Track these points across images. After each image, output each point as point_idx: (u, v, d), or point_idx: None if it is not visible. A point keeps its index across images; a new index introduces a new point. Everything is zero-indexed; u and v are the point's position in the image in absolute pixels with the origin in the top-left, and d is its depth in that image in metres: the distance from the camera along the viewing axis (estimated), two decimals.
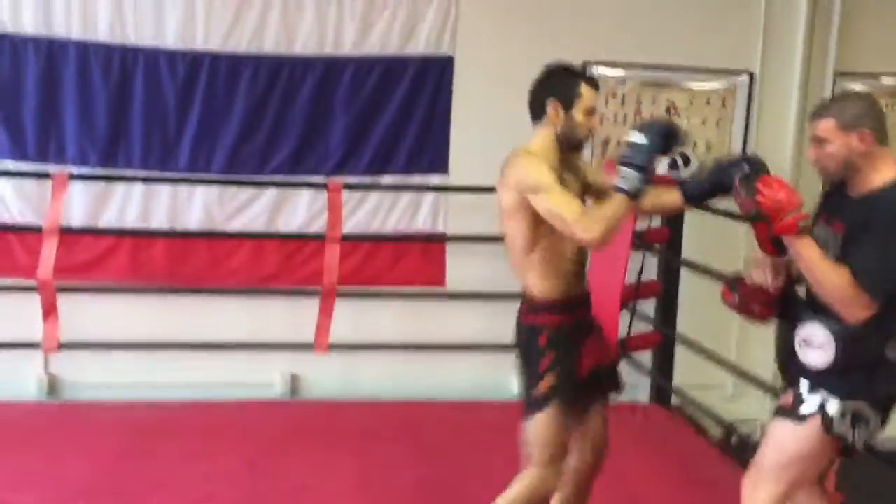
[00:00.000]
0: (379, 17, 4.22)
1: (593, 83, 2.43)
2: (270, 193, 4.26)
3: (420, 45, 4.27)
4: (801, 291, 2.39)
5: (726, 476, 3.30)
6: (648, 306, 4.31)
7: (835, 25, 4.54)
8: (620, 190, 2.25)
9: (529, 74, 4.32)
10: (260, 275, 4.27)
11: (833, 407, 2.19)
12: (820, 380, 2.21)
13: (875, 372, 2.20)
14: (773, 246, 2.27)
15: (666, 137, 2.28)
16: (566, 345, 2.39)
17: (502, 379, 4.42)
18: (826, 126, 2.21)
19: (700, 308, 4.36)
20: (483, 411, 4.17)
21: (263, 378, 4.34)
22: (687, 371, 4.32)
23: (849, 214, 2.21)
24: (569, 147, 2.43)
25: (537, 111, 2.44)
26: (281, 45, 4.17)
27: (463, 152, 4.35)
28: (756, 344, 4.49)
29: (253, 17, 4.14)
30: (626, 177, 2.24)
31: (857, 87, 4.57)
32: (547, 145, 2.41)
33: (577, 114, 2.38)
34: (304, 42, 4.18)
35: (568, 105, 2.37)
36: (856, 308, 2.13)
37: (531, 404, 2.40)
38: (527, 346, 2.44)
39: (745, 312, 2.41)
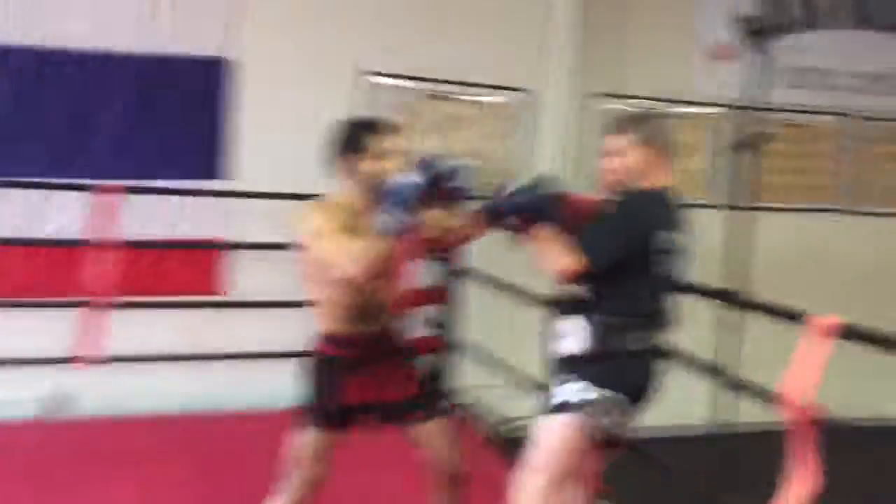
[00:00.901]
0: (160, 14, 4.00)
1: (381, 129, 2.47)
2: (25, 195, 3.89)
3: (200, 46, 4.09)
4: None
5: (492, 470, 3.43)
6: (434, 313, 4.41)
7: (603, 49, 4.88)
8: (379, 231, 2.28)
9: (315, 81, 4.35)
10: (10, 285, 3.89)
11: (581, 395, 2.37)
12: (574, 371, 2.40)
13: (622, 362, 2.40)
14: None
15: (433, 176, 2.28)
16: (331, 375, 2.50)
17: (283, 387, 4.33)
18: (619, 140, 2.47)
19: (482, 314, 4.55)
20: (265, 421, 4.05)
21: (20, 396, 3.95)
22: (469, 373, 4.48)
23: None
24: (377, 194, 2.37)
25: (332, 170, 2.51)
26: (51, 37, 3.84)
27: (243, 156, 4.23)
28: (530, 348, 4.73)
29: (14, 3, 3.77)
30: (384, 219, 2.26)
31: (623, 107, 4.93)
32: (344, 197, 2.48)
33: (365, 164, 2.42)
34: (78, 36, 3.88)
35: (355, 157, 2.43)
36: (568, 268, 2.31)
37: (298, 421, 2.54)
38: (306, 367, 2.57)
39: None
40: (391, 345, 2.58)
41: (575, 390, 2.38)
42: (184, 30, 4.06)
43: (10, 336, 3.90)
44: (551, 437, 2.40)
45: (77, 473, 3.33)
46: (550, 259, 2.35)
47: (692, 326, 2.72)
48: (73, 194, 3.93)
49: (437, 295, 4.32)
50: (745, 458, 3.39)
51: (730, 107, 5.16)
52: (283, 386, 4.33)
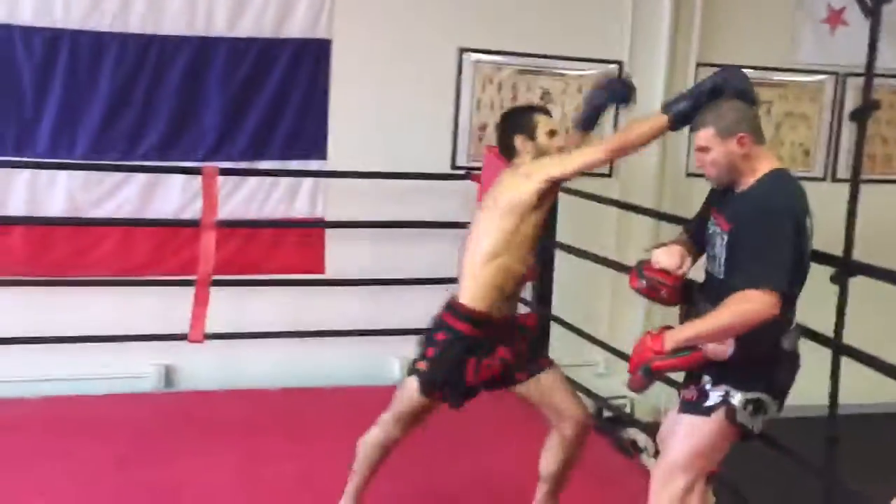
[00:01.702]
0: None
1: (545, 111, 2.80)
2: (141, 178, 4.08)
3: (296, 28, 4.18)
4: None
5: (597, 451, 3.43)
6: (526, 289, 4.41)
7: (697, 18, 4.75)
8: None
9: (407, 60, 4.39)
10: (129, 264, 4.10)
11: (736, 399, 2.32)
12: (722, 374, 2.33)
13: (773, 364, 2.34)
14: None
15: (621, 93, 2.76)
16: (458, 354, 2.59)
17: (382, 364, 4.43)
18: (706, 135, 2.34)
19: (574, 289, 4.51)
20: (364, 396, 4.15)
21: (135, 370, 4.17)
22: (561, 350, 4.45)
23: (732, 211, 2.35)
24: None
25: (510, 151, 2.74)
26: (148, 23, 3.99)
27: (341, 137, 4.30)
28: (626, 324, 4.69)
29: None
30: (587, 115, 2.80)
31: None
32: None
33: (541, 139, 2.68)
34: (173, 21, 4.01)
35: (531, 135, 2.69)
36: (769, 309, 2.18)
37: (409, 368, 2.72)
38: (431, 330, 2.68)
39: (652, 296, 2.50)
40: (514, 325, 2.68)
41: (729, 393, 2.33)
42: (282, 11, 4.14)
43: (126, 313, 4.11)
44: (701, 439, 2.36)
45: (185, 443, 3.50)
46: (741, 326, 2.22)
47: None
48: (182, 176, 4.10)
49: (537, 270, 4.31)
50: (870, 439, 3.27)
51: (837, 74, 4.96)
52: (377, 363, 4.48)
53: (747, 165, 2.34)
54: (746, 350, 2.27)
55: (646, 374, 2.30)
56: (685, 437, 2.38)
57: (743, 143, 2.31)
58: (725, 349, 2.30)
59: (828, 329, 2.85)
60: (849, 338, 2.80)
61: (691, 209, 2.78)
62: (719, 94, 2.44)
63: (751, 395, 2.32)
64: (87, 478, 3.16)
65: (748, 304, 2.18)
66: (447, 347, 2.60)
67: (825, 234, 3.39)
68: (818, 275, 2.75)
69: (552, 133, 2.70)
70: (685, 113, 2.48)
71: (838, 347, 2.91)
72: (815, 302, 2.56)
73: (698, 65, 4.77)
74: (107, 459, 3.30)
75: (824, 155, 5.01)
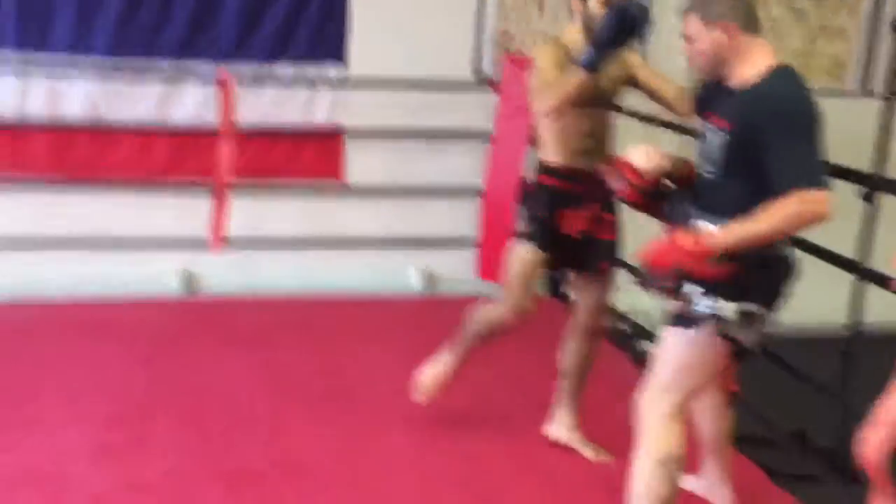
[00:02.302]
0: None
1: None
2: (159, 82, 4.03)
3: None
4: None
5: (614, 363, 3.47)
6: None
7: None
8: (579, 63, 2.55)
9: None
10: (149, 168, 4.09)
11: (725, 310, 2.14)
12: (711, 283, 2.13)
13: (765, 271, 2.16)
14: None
15: (628, 20, 2.48)
16: (551, 204, 2.78)
17: (402, 273, 4.45)
18: (691, 23, 2.18)
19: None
20: (383, 305, 4.20)
21: (157, 275, 4.22)
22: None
23: (731, 109, 2.15)
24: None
25: (568, 5, 2.79)
26: None
27: (361, 40, 4.20)
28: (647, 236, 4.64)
29: None
30: (587, 52, 2.54)
31: None
32: (572, 36, 2.72)
33: (594, 5, 2.64)
34: None
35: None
36: (825, 209, 2.03)
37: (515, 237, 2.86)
38: (524, 193, 2.88)
39: (622, 197, 2.42)
40: (603, 189, 2.67)
41: (710, 302, 2.14)
42: None
43: (147, 218, 4.13)
44: (687, 354, 2.20)
45: (208, 347, 3.57)
46: (789, 226, 2.08)
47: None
48: (201, 79, 4.04)
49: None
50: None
51: None
52: (396, 272, 4.50)
53: (738, 57, 2.15)
54: (739, 257, 2.10)
55: (679, 279, 2.11)
56: (670, 353, 2.23)
57: (729, 31, 2.14)
58: None
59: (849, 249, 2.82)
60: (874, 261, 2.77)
61: None
62: (627, 25, 2.46)
63: (744, 306, 2.15)
64: (114, 378, 3.23)
65: (805, 206, 2.02)
66: (539, 200, 2.78)
67: (856, 149, 3.32)
68: (844, 192, 2.70)
69: (605, 2, 2.60)
70: (593, 61, 2.51)
71: (862, 272, 2.87)
72: (838, 220, 2.50)
73: None
74: (132, 361, 3.37)
75: (859, 68, 4.85)
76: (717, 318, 2.15)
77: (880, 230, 2.89)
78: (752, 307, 2.16)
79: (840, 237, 2.86)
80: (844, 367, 2.93)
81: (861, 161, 2.96)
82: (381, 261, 4.42)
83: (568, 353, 2.91)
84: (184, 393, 3.17)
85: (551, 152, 2.79)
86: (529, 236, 2.80)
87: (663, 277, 2.13)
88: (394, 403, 3.03)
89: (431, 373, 2.93)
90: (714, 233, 2.12)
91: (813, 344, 3.16)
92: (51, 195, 4.02)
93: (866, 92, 4.87)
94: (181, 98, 4.08)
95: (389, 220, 4.35)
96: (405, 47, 4.22)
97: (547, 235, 2.79)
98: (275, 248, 4.27)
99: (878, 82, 4.82)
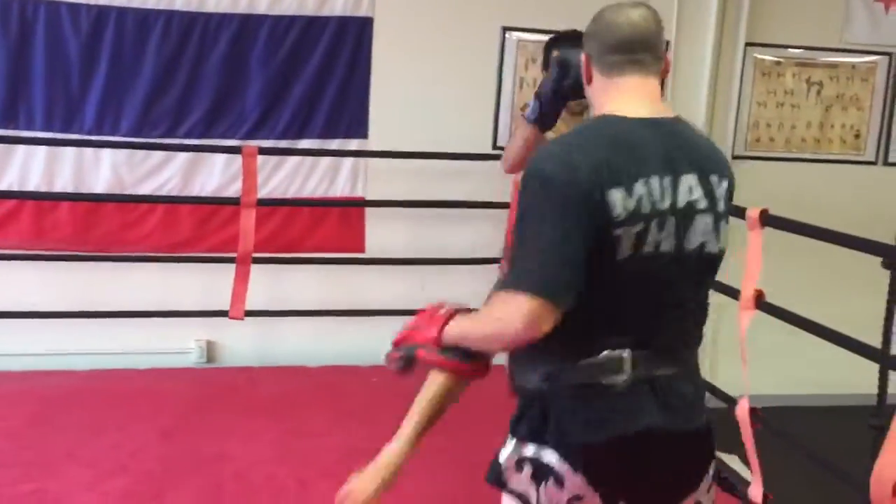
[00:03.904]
0: None
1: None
2: (183, 156, 4.12)
3: (338, 5, 4.17)
4: None
5: None
6: None
7: None
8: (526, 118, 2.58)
9: (449, 38, 4.36)
10: (173, 240, 4.15)
11: (504, 452, 1.63)
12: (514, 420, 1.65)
13: (552, 407, 1.58)
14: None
15: (571, 70, 2.36)
16: None
17: None
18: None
19: None
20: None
21: (178, 345, 4.24)
22: None
23: None
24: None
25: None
26: (192, 0, 4.01)
27: (381, 116, 4.30)
28: None
29: None
30: (532, 106, 2.56)
31: (766, 57, 4.71)
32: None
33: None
34: None
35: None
36: (515, 320, 1.49)
37: None
38: None
39: None
40: None
41: (509, 450, 1.64)
42: None
43: (169, 290, 4.17)
44: None
45: (228, 417, 3.54)
46: (483, 327, 1.64)
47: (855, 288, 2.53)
48: (224, 155, 4.12)
49: None
50: None
51: (891, 55, 4.83)
52: None
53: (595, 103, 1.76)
54: (514, 384, 1.66)
55: (406, 361, 1.79)
56: None
57: (585, 67, 1.74)
58: None
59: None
60: None
61: (737, 193, 2.73)
62: (566, 71, 2.39)
63: (527, 449, 1.60)
64: (133, 449, 3.21)
65: (499, 311, 1.55)
66: None
67: (875, 218, 3.33)
68: (865, 263, 2.69)
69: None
70: (536, 114, 2.52)
71: (886, 360, 2.77)
72: (862, 291, 2.50)
73: (747, 44, 4.67)
74: (152, 432, 3.35)
75: (876, 138, 4.89)
76: (493, 464, 1.66)
77: None
78: (542, 453, 1.59)
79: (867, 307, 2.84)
80: (874, 440, 2.87)
81: (884, 229, 2.96)
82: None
83: None
84: (204, 464, 3.14)
85: None
86: None
87: (393, 353, 1.82)
88: (420, 472, 2.98)
89: None
90: (453, 320, 1.74)
91: (842, 413, 3.11)
92: (75, 268, 4.08)
93: (885, 161, 4.91)
94: (205, 171, 4.16)
95: (410, 290, 4.36)
96: (425, 121, 4.30)
97: None
98: (295, 317, 4.28)
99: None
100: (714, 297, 3.43)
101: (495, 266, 4.28)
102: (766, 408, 2.94)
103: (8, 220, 3.98)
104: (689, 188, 1.60)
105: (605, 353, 1.56)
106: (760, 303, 2.82)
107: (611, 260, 1.52)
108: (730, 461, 3.53)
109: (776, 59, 4.73)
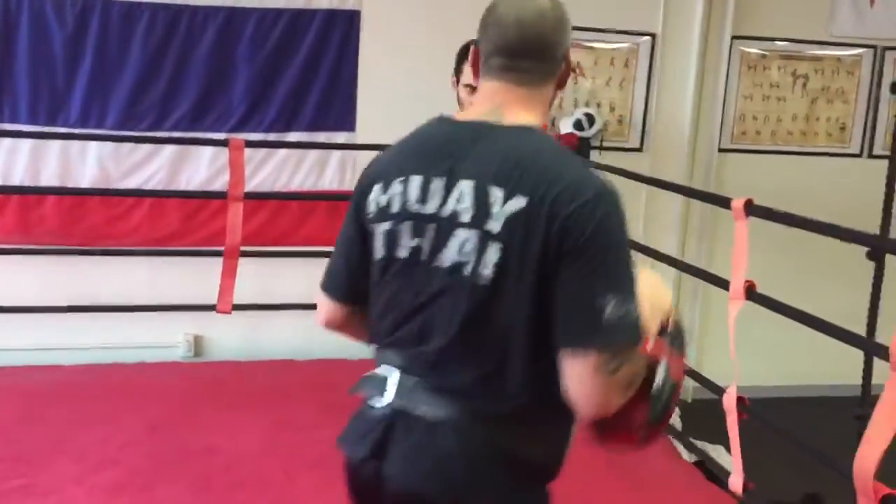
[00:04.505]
0: None
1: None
2: (170, 149, 4.10)
3: None
4: None
5: None
6: None
7: None
8: None
9: (436, 31, 4.35)
10: (159, 234, 4.13)
11: None
12: None
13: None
14: None
15: None
16: None
17: None
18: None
19: None
20: None
21: (165, 340, 4.23)
22: None
23: None
24: None
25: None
26: None
27: (369, 109, 4.29)
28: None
29: None
30: None
31: (752, 50, 4.74)
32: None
33: (461, 88, 2.83)
34: None
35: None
36: (318, 315, 1.64)
37: None
38: None
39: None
40: None
41: None
42: None
43: (156, 284, 4.16)
44: None
45: (216, 411, 3.54)
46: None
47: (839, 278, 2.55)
48: (211, 148, 4.10)
49: None
50: None
51: (876, 48, 4.86)
52: None
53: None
54: None
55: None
56: None
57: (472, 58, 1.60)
58: None
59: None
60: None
61: (723, 186, 2.76)
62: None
63: None
64: (121, 443, 3.21)
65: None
66: None
67: (860, 211, 3.35)
68: (850, 254, 2.71)
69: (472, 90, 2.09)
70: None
71: (870, 347, 2.81)
72: (848, 282, 2.52)
73: (733, 37, 4.69)
74: (140, 426, 3.35)
75: (861, 131, 4.92)
76: None
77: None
78: None
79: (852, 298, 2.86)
80: (859, 430, 2.90)
81: (868, 221, 2.99)
82: None
83: None
84: (192, 457, 3.14)
85: None
86: None
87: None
88: None
89: None
90: None
91: (828, 403, 3.14)
92: (61, 262, 4.06)
93: (869, 154, 4.95)
94: (192, 164, 4.14)
95: None
96: (413, 114, 4.27)
97: None
98: (283, 311, 4.27)
99: (880, 144, 4.90)
100: (698, 287, 3.48)
101: None
102: (753, 399, 2.96)
103: None
104: (459, 196, 1.37)
105: (381, 367, 1.49)
106: (751, 293, 2.83)
107: (372, 260, 1.49)
108: (715, 452, 3.56)
109: (762, 52, 4.75)
